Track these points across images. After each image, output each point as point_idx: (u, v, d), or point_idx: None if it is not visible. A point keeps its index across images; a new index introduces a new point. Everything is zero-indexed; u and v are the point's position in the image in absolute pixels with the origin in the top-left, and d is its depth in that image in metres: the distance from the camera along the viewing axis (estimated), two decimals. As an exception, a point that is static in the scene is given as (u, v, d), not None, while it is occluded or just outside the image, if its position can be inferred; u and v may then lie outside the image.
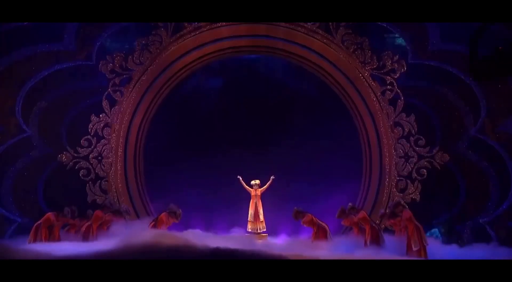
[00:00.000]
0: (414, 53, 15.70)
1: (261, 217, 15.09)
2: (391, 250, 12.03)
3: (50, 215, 12.93)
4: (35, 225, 12.89)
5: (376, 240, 12.51)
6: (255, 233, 14.82)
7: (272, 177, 15.35)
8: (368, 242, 12.56)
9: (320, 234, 13.29)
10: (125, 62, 15.74)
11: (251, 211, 15.12)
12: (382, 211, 14.10)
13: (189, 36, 15.93)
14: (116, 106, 15.71)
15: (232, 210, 15.81)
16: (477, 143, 15.36)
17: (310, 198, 14.83)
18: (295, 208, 13.73)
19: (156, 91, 16.16)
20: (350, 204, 13.60)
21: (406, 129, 15.76)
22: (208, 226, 14.81)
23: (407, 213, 12.56)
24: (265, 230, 15.03)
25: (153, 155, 16.63)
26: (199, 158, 16.93)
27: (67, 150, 15.36)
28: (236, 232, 14.42)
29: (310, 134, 17.41)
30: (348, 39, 15.92)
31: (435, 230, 15.29)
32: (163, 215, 13.28)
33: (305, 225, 13.65)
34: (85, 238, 12.73)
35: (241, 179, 15.39)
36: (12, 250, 10.45)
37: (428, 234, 13.88)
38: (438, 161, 15.54)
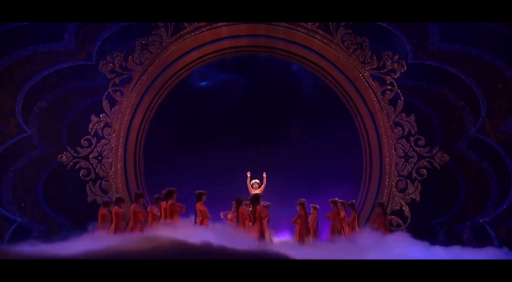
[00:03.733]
0: (414, 53, 15.70)
1: (261, 217, 15.11)
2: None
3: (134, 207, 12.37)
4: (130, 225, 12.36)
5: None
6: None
7: (264, 174, 15.42)
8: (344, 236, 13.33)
9: (300, 234, 13.35)
10: (125, 62, 15.75)
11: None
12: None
13: (189, 36, 15.93)
14: (116, 106, 15.72)
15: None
16: (477, 143, 15.37)
17: (310, 198, 14.80)
18: (304, 200, 13.67)
19: (156, 91, 16.17)
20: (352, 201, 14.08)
21: (406, 129, 15.77)
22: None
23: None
24: (264, 229, 15.03)
25: (153, 155, 16.65)
26: (199, 157, 16.97)
27: (67, 150, 15.37)
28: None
29: (310, 134, 17.49)
30: (348, 39, 15.93)
31: (441, 238, 15.26)
32: (133, 209, 12.85)
33: (296, 219, 13.64)
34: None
35: (249, 175, 15.46)
36: (12, 250, 10.45)
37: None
38: (438, 161, 15.55)
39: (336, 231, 13.56)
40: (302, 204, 13.59)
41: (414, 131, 15.73)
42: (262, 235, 12.97)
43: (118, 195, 13.25)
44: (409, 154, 15.72)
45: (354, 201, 14.14)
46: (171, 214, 12.26)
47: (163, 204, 12.32)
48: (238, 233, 12.55)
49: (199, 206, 12.63)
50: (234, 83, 17.96)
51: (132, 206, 12.41)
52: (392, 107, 15.84)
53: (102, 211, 12.72)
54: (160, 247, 9.92)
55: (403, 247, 11.81)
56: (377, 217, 14.15)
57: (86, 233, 12.79)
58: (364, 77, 15.95)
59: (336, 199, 13.87)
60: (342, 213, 13.77)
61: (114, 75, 15.70)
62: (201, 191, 12.81)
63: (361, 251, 11.23)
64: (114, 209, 12.36)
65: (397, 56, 15.83)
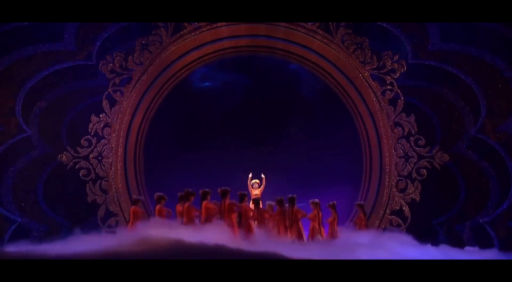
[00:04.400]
0: (414, 53, 15.70)
1: (261, 217, 15.12)
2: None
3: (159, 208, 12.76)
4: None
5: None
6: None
7: (262, 175, 15.45)
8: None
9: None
10: (125, 62, 15.75)
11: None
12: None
13: (189, 36, 15.93)
14: (116, 106, 15.72)
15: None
16: (477, 143, 15.37)
17: (309, 197, 14.83)
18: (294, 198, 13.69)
19: (156, 91, 16.18)
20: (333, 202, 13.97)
21: (406, 129, 15.77)
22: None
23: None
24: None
25: (153, 155, 16.65)
26: (199, 157, 16.98)
27: (67, 150, 15.37)
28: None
29: (310, 134, 17.49)
30: (348, 39, 15.94)
31: (440, 238, 15.26)
32: (186, 207, 12.91)
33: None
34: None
35: (250, 175, 15.50)
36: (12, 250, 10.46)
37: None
38: (438, 161, 15.55)
39: (315, 232, 13.57)
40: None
41: (414, 131, 15.73)
42: (300, 236, 13.05)
43: (159, 193, 13.26)
44: (409, 154, 15.72)
45: (335, 201, 14.00)
46: (229, 213, 12.48)
47: (204, 203, 12.50)
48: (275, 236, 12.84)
49: (245, 206, 12.81)
50: (234, 83, 17.98)
51: (186, 204, 12.56)
52: (392, 107, 15.85)
53: (134, 208, 12.87)
54: (159, 247, 9.94)
55: (396, 247, 11.84)
56: (357, 218, 14.21)
57: (86, 233, 12.85)
58: (364, 77, 15.95)
59: (316, 200, 13.84)
60: (320, 214, 13.79)
61: (114, 75, 15.70)
62: (243, 192, 13.05)
63: (357, 250, 11.24)
64: (157, 207, 12.66)
65: (397, 56, 15.83)
